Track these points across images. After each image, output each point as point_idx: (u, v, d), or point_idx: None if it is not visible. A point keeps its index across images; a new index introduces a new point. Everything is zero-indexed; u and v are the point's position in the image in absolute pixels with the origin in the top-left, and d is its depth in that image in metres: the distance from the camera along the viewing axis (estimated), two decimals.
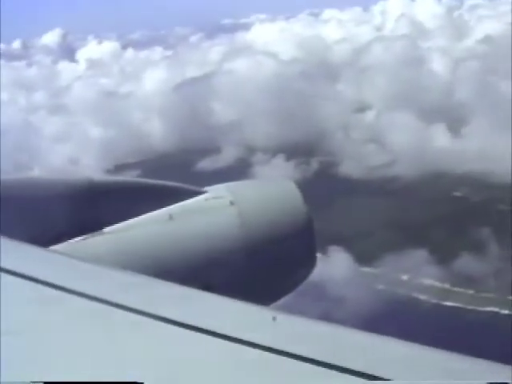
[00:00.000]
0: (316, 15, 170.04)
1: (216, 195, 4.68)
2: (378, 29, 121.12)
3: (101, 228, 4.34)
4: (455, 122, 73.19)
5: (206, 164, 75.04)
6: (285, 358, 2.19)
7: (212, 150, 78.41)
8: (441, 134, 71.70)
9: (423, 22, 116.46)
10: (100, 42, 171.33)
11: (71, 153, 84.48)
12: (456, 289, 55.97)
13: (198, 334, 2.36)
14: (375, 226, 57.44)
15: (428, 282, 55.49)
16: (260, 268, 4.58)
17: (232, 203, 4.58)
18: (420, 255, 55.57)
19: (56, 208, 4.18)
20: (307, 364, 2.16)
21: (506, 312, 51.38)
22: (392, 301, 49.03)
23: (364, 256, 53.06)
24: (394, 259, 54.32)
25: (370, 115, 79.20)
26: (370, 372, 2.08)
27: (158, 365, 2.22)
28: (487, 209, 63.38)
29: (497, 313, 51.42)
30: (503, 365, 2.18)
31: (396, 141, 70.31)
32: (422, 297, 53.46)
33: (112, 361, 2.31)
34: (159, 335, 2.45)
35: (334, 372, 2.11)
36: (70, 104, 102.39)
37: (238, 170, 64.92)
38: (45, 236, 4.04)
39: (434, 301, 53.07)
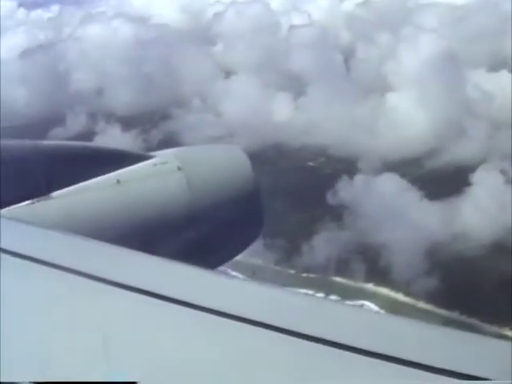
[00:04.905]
0: None
1: (164, 160, 4.63)
2: None
3: (49, 192, 4.21)
4: (299, 92, 71.33)
5: (56, 133, 72.08)
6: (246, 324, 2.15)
7: (61, 118, 76.58)
8: (284, 103, 69.67)
9: None
10: None
11: None
12: (278, 268, 54.32)
13: (150, 299, 2.34)
14: None
15: (253, 260, 53.43)
16: (208, 231, 4.60)
17: (179, 168, 4.56)
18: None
19: (3, 172, 4.03)
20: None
21: (321, 295, 49.56)
22: None
23: None
24: None
25: (222, 83, 76.64)
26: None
27: (110, 328, 2.27)
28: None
29: (312, 296, 49.35)
30: None
31: (238, 109, 67.85)
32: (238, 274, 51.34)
33: (65, 323, 2.34)
34: (108, 298, 2.45)
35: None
36: None
37: (85, 140, 62.00)
38: None
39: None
